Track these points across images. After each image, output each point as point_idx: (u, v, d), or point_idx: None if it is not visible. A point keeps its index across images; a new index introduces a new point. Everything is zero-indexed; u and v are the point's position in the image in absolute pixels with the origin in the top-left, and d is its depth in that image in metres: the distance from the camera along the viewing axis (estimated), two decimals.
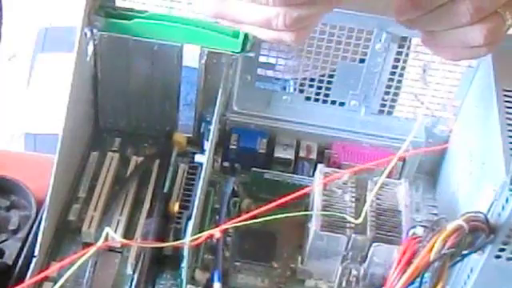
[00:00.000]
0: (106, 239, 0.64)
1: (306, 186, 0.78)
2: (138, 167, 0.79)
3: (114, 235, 0.64)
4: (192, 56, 0.76)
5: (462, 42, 0.60)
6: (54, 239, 0.72)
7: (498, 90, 0.68)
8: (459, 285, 0.66)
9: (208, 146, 0.74)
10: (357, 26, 0.74)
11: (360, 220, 0.68)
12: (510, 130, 0.64)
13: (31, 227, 0.71)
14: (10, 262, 0.68)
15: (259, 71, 0.79)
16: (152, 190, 0.77)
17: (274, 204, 0.64)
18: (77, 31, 0.72)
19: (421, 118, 0.72)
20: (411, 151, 0.76)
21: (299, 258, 0.73)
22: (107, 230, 0.63)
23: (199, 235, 0.65)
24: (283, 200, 0.65)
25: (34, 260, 0.67)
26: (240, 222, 0.64)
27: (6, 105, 1.88)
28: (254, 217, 0.65)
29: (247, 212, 0.76)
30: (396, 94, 0.80)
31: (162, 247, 0.71)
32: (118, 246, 0.72)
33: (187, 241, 0.66)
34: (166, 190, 0.77)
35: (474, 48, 0.61)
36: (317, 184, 0.73)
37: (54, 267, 0.68)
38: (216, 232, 0.65)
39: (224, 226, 0.65)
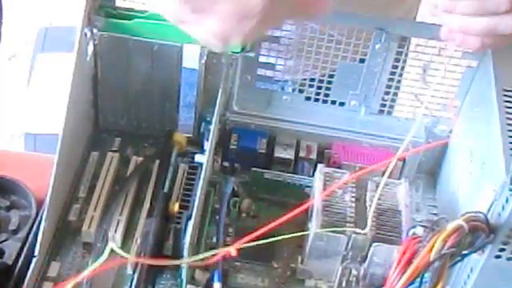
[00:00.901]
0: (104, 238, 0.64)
1: (307, 186, 0.78)
2: (137, 167, 0.79)
3: (119, 250, 0.64)
4: (192, 56, 0.76)
5: (496, 30, 0.61)
6: (53, 239, 0.72)
7: (498, 90, 0.68)
8: (459, 285, 0.66)
9: (208, 146, 0.74)
10: (357, 26, 0.74)
11: (365, 231, 0.68)
12: (510, 130, 0.64)
13: (31, 227, 0.71)
14: (10, 262, 0.68)
15: (259, 71, 0.79)
16: (152, 190, 0.77)
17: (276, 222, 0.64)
18: (77, 31, 0.72)
19: (420, 118, 0.72)
20: (412, 150, 0.76)
21: (299, 258, 0.73)
22: (111, 245, 0.63)
23: (216, 251, 0.65)
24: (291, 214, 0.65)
25: (34, 260, 0.67)
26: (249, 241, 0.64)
27: (6, 105, 1.88)
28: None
29: (247, 212, 0.77)
30: (396, 94, 0.80)
31: (161, 247, 0.71)
32: (119, 245, 0.72)
33: (186, 248, 0.66)
34: (166, 190, 0.77)
35: (499, 37, 0.62)
36: (317, 185, 0.73)
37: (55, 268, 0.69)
38: (232, 250, 0.65)
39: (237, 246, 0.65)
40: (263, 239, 0.64)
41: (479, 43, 0.63)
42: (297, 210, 0.65)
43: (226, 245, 0.73)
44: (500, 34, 0.61)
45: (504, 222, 0.59)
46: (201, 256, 0.65)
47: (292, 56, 0.78)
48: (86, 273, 0.62)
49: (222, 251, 0.64)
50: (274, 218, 0.65)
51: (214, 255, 0.64)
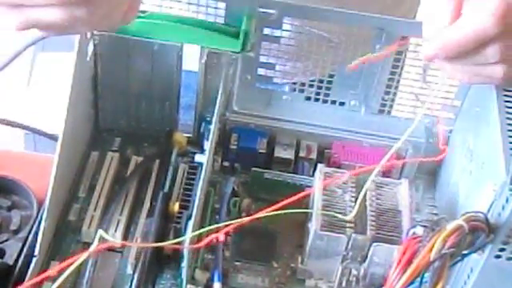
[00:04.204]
0: (105, 241, 0.64)
1: (307, 186, 0.78)
2: (137, 167, 0.79)
3: (107, 237, 0.64)
4: (192, 57, 0.76)
5: (482, 74, 0.63)
6: (54, 239, 0.72)
7: (498, 90, 0.67)
8: (459, 285, 0.66)
9: (208, 146, 0.74)
10: (357, 26, 0.74)
11: (351, 216, 0.68)
12: (510, 130, 0.64)
13: (32, 227, 0.71)
14: (11, 263, 0.68)
15: (259, 71, 0.79)
16: (152, 190, 0.77)
17: (275, 207, 0.64)
18: None
19: (419, 117, 0.72)
20: (408, 159, 0.76)
21: (299, 258, 0.73)
22: (100, 232, 0.63)
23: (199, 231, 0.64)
24: (286, 201, 0.64)
25: (34, 260, 0.67)
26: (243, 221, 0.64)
27: (6, 105, 1.88)
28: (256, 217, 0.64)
29: (247, 212, 0.77)
30: (396, 94, 0.80)
31: (162, 247, 0.71)
32: (118, 245, 0.72)
33: (187, 241, 0.66)
34: (166, 190, 0.77)
35: (488, 78, 0.63)
36: (317, 184, 0.73)
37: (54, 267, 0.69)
38: (220, 235, 0.64)
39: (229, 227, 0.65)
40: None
41: (467, 79, 0.65)
42: (297, 196, 0.65)
43: (225, 244, 0.73)
44: (487, 77, 0.63)
45: (504, 221, 0.59)
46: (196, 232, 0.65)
47: (292, 58, 0.78)
48: (78, 261, 0.61)
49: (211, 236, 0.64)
50: (273, 218, 0.64)
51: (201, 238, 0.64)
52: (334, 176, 0.73)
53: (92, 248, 0.63)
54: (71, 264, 0.61)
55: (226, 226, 0.65)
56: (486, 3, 0.59)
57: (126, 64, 0.78)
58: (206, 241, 0.64)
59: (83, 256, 0.61)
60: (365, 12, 0.72)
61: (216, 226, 0.66)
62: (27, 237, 0.70)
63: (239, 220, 0.65)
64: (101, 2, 0.58)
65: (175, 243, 0.67)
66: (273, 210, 0.64)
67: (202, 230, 0.65)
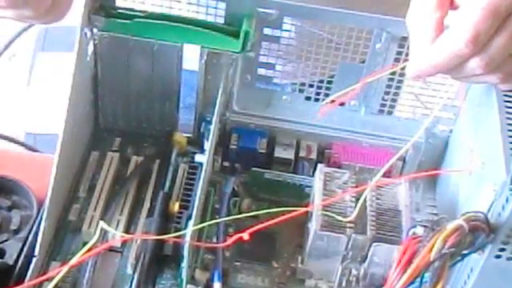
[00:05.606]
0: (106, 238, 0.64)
1: (307, 186, 0.78)
2: (137, 167, 0.79)
3: (108, 228, 0.64)
4: (192, 57, 0.76)
5: (477, 81, 0.64)
6: (54, 239, 0.72)
7: (498, 90, 0.67)
8: (459, 285, 0.66)
9: (208, 146, 0.74)
10: (357, 26, 0.74)
11: (352, 217, 0.68)
12: (510, 130, 0.64)
13: (32, 227, 0.71)
14: (11, 262, 0.68)
15: (259, 71, 0.79)
16: (152, 190, 0.77)
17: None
18: (77, 31, 0.72)
19: (427, 122, 0.72)
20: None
21: (299, 258, 0.73)
22: (101, 223, 0.63)
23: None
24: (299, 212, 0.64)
25: (34, 260, 0.67)
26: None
27: (7, 104, 1.88)
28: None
29: (247, 212, 0.77)
30: (396, 94, 0.80)
31: (162, 247, 0.71)
32: (118, 245, 0.72)
33: (187, 241, 0.66)
34: (166, 190, 0.77)
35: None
36: (317, 185, 0.73)
37: (54, 268, 0.69)
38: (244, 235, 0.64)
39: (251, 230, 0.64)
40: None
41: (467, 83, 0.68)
42: (296, 213, 0.65)
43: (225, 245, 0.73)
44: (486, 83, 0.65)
45: (504, 221, 0.59)
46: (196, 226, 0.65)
47: (292, 58, 0.78)
48: (77, 256, 0.62)
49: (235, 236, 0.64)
50: (274, 218, 0.64)
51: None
52: (334, 176, 0.73)
53: (93, 241, 0.63)
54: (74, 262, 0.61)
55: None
56: (459, 24, 0.59)
57: (126, 64, 0.78)
58: (231, 240, 0.63)
59: (87, 246, 0.61)
60: (368, 12, 0.72)
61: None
62: (27, 237, 0.70)
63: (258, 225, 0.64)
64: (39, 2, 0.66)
65: (176, 236, 0.67)
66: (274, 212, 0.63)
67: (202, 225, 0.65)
